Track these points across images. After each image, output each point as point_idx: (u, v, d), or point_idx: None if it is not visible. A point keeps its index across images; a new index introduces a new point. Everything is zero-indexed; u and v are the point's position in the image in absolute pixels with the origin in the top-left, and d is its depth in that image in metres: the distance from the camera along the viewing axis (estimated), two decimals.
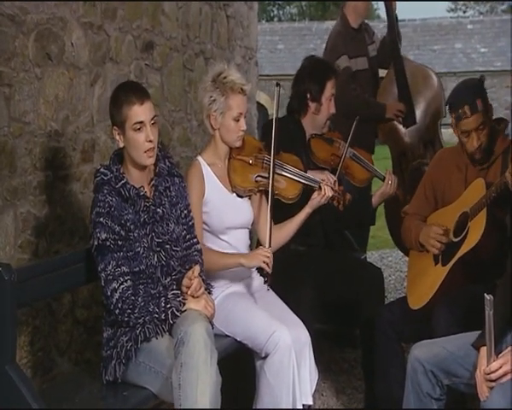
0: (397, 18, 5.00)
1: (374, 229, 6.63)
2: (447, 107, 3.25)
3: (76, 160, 3.64)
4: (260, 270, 3.19)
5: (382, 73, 5.16)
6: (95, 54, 3.78)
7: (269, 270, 3.10)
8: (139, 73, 4.23)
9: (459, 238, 3.14)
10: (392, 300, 5.57)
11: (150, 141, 2.83)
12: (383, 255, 7.40)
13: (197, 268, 2.86)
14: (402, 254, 5.91)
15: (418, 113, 4.90)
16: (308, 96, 3.75)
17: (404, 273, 6.53)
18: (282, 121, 3.60)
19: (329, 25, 24.20)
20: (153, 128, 2.85)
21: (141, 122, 2.82)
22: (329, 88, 3.75)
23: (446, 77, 19.60)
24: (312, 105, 3.76)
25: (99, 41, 3.82)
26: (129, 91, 2.84)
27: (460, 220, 3.17)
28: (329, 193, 3.39)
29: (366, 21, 5.23)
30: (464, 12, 33.51)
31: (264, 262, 3.10)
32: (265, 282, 3.14)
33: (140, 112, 2.81)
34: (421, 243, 3.33)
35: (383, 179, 3.82)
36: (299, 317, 3.28)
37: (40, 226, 3.38)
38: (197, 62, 4.95)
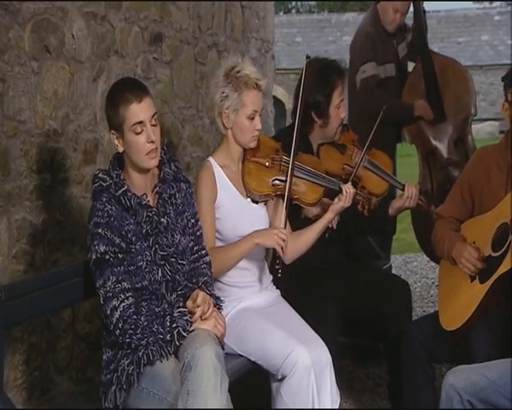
0: (424, 11, 4.85)
1: (397, 231, 6.44)
2: (503, 83, 3.09)
3: (77, 161, 3.54)
4: (273, 262, 3.05)
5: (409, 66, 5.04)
6: (98, 46, 3.68)
7: (282, 254, 2.99)
8: (146, 67, 4.13)
9: (499, 253, 2.94)
10: (417, 309, 5.41)
11: (152, 142, 2.68)
12: (407, 260, 7.22)
13: (201, 296, 2.71)
14: (428, 258, 5.70)
15: (448, 109, 4.74)
16: (313, 113, 3.51)
17: (430, 280, 6.36)
18: (286, 131, 3.43)
19: (349, 17, 24.07)
20: (154, 127, 2.70)
21: (140, 122, 2.67)
22: (337, 96, 3.51)
23: (472, 70, 19.30)
24: (319, 120, 3.53)
25: (103, 32, 3.72)
26: (124, 90, 2.69)
27: (499, 232, 2.98)
28: (351, 190, 3.22)
29: None
30: (491, 2, 33.18)
31: (278, 244, 2.98)
32: (277, 270, 3.01)
33: (138, 111, 2.66)
34: (454, 259, 3.15)
35: (402, 189, 3.58)
36: (318, 333, 3.11)
37: (37, 234, 3.27)
38: (209, 56, 4.85)
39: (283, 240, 2.98)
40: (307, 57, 3.22)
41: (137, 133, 2.66)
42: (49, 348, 3.35)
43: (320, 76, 3.48)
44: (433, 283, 6.22)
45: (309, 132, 3.58)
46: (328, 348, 3.06)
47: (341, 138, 3.60)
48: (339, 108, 3.52)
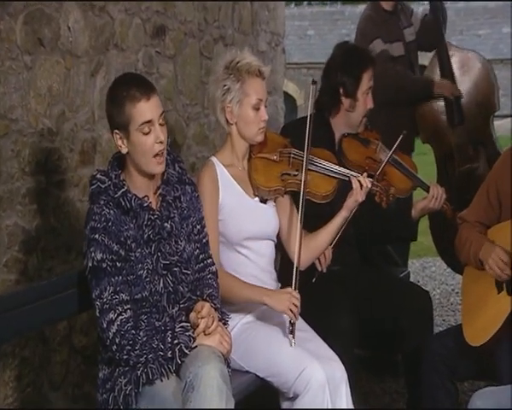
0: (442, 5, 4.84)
1: None
2: None
3: (73, 162, 3.53)
4: (281, 269, 3.05)
5: (423, 60, 4.95)
6: (96, 39, 3.67)
7: (295, 319, 2.91)
8: (148, 61, 4.11)
9: None
10: (437, 318, 5.31)
11: (161, 142, 2.62)
12: (425, 265, 7.13)
13: (206, 307, 2.64)
14: None
15: (466, 108, 4.64)
16: (341, 91, 3.51)
17: (450, 286, 6.26)
18: (295, 124, 3.41)
19: (363, 9, 24.02)
20: (162, 127, 2.64)
21: (149, 121, 2.60)
22: (366, 80, 3.51)
23: (492, 64, 19.27)
24: (346, 101, 3.52)
25: (101, 24, 3.71)
26: (131, 86, 2.61)
27: None
28: (367, 184, 3.13)
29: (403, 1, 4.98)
30: None
31: (290, 310, 2.90)
32: (290, 331, 2.92)
33: (147, 109, 2.59)
34: (481, 260, 3.06)
35: (427, 190, 3.52)
36: (332, 346, 3.03)
37: (30, 241, 3.25)
38: (216, 49, 4.82)
39: (295, 305, 2.90)
40: (313, 82, 3.18)
41: (145, 134, 2.60)
42: (42, 362, 3.31)
43: (351, 56, 3.53)
44: (452, 289, 6.11)
45: (333, 116, 3.54)
46: (343, 363, 2.98)
47: (365, 135, 3.58)
48: (367, 95, 3.51)
